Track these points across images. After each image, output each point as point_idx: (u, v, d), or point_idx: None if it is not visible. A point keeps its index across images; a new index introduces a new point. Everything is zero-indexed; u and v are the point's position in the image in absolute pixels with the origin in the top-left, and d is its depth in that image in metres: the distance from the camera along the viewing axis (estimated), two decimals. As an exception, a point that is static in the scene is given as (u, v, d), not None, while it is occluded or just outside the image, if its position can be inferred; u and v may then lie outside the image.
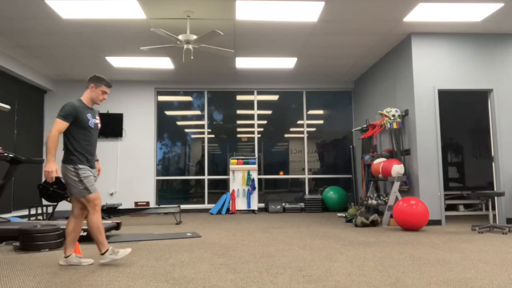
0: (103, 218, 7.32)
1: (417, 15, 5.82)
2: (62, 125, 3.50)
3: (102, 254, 3.58)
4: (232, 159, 9.06)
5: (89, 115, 3.65)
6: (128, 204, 8.94)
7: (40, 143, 8.92)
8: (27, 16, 5.70)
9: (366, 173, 8.00)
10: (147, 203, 8.88)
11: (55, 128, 3.47)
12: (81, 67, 8.25)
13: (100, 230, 3.56)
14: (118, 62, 7.87)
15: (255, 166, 9.03)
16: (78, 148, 3.56)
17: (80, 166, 3.54)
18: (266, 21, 5.99)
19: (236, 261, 3.71)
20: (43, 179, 8.32)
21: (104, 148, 9.13)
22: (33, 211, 7.67)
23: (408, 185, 6.54)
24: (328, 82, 9.61)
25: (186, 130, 9.62)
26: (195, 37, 5.62)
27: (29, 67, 8.04)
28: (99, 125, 3.81)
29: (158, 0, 5.26)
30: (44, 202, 8.02)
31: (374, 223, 6.19)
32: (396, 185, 6.30)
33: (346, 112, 9.86)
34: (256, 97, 9.71)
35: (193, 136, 9.62)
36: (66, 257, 3.60)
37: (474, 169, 9.23)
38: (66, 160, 3.54)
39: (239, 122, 9.75)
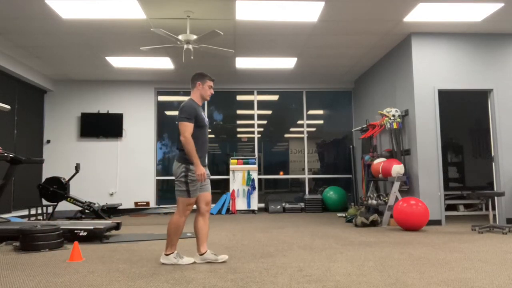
0: (103, 218, 7.33)
1: (417, 15, 5.82)
2: (190, 126, 3.48)
3: (167, 255, 3.58)
4: (232, 159, 9.06)
5: (203, 114, 3.65)
6: (128, 204, 8.93)
7: (40, 143, 8.93)
8: (27, 16, 5.70)
9: (366, 173, 8.00)
10: (147, 203, 8.88)
11: (186, 131, 3.45)
12: (81, 67, 8.25)
13: (176, 232, 3.53)
14: (118, 62, 7.87)
15: (255, 166, 9.03)
16: (195, 146, 3.52)
17: (192, 168, 3.49)
18: (266, 21, 5.99)
19: (236, 261, 3.71)
20: (43, 179, 8.32)
21: (104, 148, 9.13)
22: (33, 211, 7.68)
23: (408, 185, 6.54)
24: (328, 82, 9.61)
25: (186, 130, 9.61)
26: (195, 37, 5.62)
27: (29, 67, 8.04)
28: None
29: (158, 0, 5.26)
30: (44, 202, 8.02)
31: (374, 223, 6.19)
32: (396, 185, 6.30)
33: (346, 112, 9.86)
34: (256, 97, 9.71)
35: (193, 136, 9.61)
36: (201, 254, 3.61)
37: (474, 169, 9.23)
38: (181, 159, 3.51)
39: (239, 122, 9.75)
